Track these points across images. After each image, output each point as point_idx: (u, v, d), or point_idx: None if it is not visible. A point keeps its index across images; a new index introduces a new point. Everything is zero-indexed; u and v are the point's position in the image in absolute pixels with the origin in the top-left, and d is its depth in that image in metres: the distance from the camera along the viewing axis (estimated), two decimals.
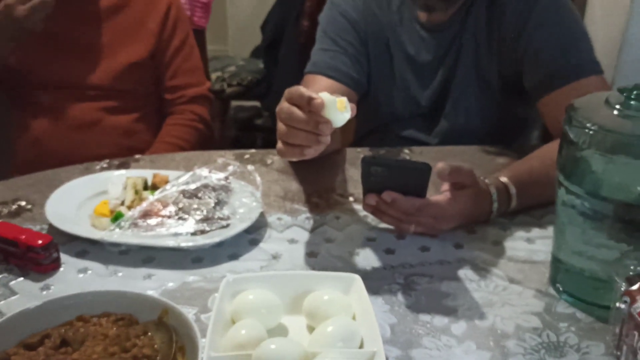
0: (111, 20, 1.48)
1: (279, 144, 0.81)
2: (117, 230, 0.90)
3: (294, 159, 0.85)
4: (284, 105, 0.79)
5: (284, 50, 2.62)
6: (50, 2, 1.30)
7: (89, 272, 0.86)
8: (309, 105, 0.75)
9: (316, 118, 0.75)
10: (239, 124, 3.11)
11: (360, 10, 1.24)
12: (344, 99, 0.77)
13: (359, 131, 1.43)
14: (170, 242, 0.89)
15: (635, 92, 0.72)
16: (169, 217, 0.93)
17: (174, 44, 1.54)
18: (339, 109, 0.76)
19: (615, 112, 0.72)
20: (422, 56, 1.24)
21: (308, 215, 1.00)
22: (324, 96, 0.76)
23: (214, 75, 2.64)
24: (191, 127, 1.56)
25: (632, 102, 0.72)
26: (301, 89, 0.77)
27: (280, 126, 0.80)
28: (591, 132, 0.71)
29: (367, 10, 1.24)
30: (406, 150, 1.23)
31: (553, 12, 1.12)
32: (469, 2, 1.18)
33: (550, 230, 0.87)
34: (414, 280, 0.84)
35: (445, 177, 0.87)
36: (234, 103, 2.98)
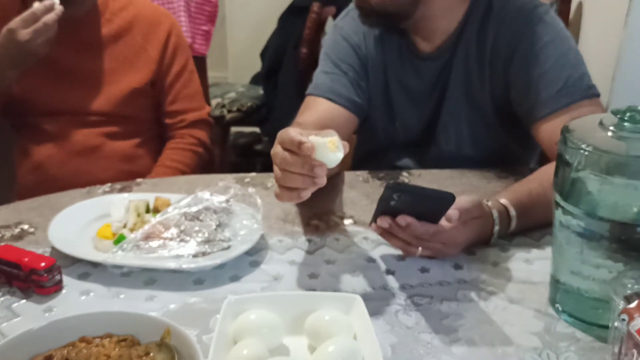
0: (112, 47, 1.51)
1: (276, 189, 0.82)
2: (120, 252, 0.91)
3: (292, 202, 0.84)
4: (277, 150, 0.80)
5: (283, 77, 2.66)
6: (52, 25, 1.31)
7: (92, 294, 0.87)
8: (300, 150, 0.76)
9: (310, 161, 0.76)
10: (238, 149, 3.12)
11: (363, 34, 1.27)
12: (335, 139, 0.78)
13: (356, 156, 1.45)
14: (172, 264, 0.90)
15: (628, 114, 0.74)
16: (171, 239, 0.94)
17: (174, 69, 1.56)
18: (331, 150, 0.76)
19: (610, 133, 0.74)
20: (415, 83, 1.26)
21: (308, 237, 1.01)
22: (315, 139, 0.76)
23: (214, 102, 2.67)
24: (191, 151, 1.58)
25: (626, 124, 0.73)
26: (291, 133, 0.78)
27: (276, 170, 0.81)
28: (586, 153, 0.73)
29: (368, 35, 1.26)
30: (405, 173, 1.25)
31: (542, 39, 1.12)
32: (459, 29, 1.19)
33: (548, 252, 0.88)
34: (415, 300, 0.85)
35: (454, 221, 0.87)
36: (234, 129, 3.00)
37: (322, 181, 0.78)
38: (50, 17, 1.30)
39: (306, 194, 0.79)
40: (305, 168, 0.77)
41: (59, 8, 1.31)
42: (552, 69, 1.11)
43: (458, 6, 1.18)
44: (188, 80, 1.59)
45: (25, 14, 1.30)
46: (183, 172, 1.52)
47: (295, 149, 0.77)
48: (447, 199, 0.83)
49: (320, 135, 0.79)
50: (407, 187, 0.84)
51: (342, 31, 1.28)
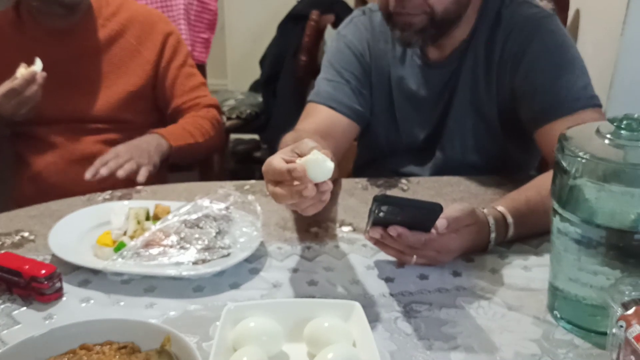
0: (106, 52, 1.51)
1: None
2: (120, 259, 0.91)
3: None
4: (276, 191, 0.78)
5: (282, 84, 2.67)
6: (34, 96, 1.32)
7: (92, 301, 0.87)
8: (292, 177, 0.75)
9: (310, 184, 0.75)
10: (237, 156, 3.13)
11: (367, 42, 1.27)
12: (319, 151, 0.77)
13: (357, 162, 1.45)
14: (172, 271, 0.90)
15: (625, 122, 0.74)
16: (171, 246, 0.94)
17: (175, 64, 1.56)
18: (322, 162, 0.75)
19: (607, 141, 0.75)
20: (422, 91, 1.26)
21: (307, 244, 1.02)
22: (303, 160, 0.76)
23: None
24: (210, 123, 1.56)
25: (623, 132, 0.74)
26: (275, 166, 0.77)
27: (283, 201, 0.79)
28: (583, 161, 0.73)
29: (373, 43, 1.27)
30: (403, 181, 1.25)
31: (549, 47, 1.14)
32: (468, 38, 1.21)
33: (546, 259, 0.88)
34: (413, 307, 0.85)
35: (444, 230, 0.87)
36: (233, 136, 3.01)
37: (327, 196, 0.79)
38: (31, 90, 1.31)
39: (320, 207, 0.80)
40: (316, 198, 0.77)
41: (40, 76, 1.32)
42: (557, 78, 1.13)
43: (471, 15, 1.20)
44: (191, 74, 1.59)
45: (6, 89, 1.30)
46: (203, 134, 1.51)
47: (288, 177, 0.76)
48: (435, 209, 0.83)
49: (299, 151, 0.79)
50: (394, 199, 0.84)
51: (345, 39, 1.29)
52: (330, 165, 0.76)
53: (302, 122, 1.23)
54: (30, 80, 1.31)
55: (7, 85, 1.31)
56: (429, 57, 1.25)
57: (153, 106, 1.57)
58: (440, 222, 0.86)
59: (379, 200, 0.82)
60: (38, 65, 1.33)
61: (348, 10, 2.74)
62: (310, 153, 0.77)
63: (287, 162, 0.79)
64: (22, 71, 1.31)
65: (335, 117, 1.23)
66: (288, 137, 1.11)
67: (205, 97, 1.60)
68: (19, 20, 1.50)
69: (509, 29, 1.17)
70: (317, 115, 1.23)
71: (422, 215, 0.85)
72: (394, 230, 0.86)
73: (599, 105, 1.13)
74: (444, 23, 1.15)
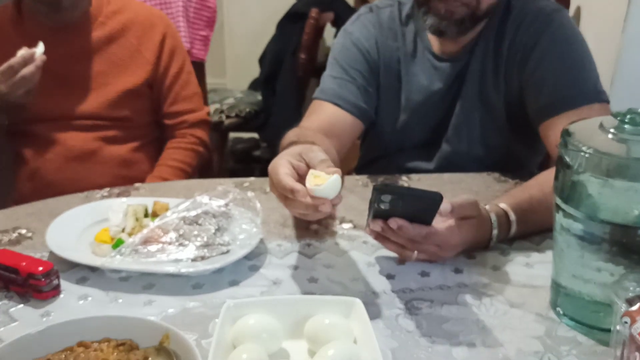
0: (106, 50, 1.50)
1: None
2: (118, 256, 0.91)
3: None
4: (291, 203, 0.80)
5: (282, 83, 2.66)
6: (31, 77, 1.32)
7: (89, 298, 0.86)
8: (295, 196, 0.77)
9: (319, 206, 0.77)
10: (237, 155, 3.12)
11: (374, 39, 1.27)
12: (330, 170, 0.79)
13: (361, 159, 1.45)
14: (171, 269, 0.89)
15: (629, 116, 0.73)
16: (170, 243, 0.93)
17: (172, 71, 1.56)
18: (335, 180, 0.77)
19: (610, 135, 0.74)
20: (433, 85, 1.25)
21: (307, 241, 1.01)
22: (329, 182, 0.76)
23: (212, 108, 2.67)
24: (193, 151, 1.59)
25: (626, 126, 0.73)
26: (281, 179, 0.79)
27: (295, 211, 0.82)
28: (587, 156, 0.72)
29: (380, 40, 1.26)
30: (404, 178, 1.24)
31: (559, 41, 1.14)
32: (481, 30, 1.20)
33: (549, 255, 0.88)
34: (415, 304, 0.84)
35: (448, 215, 0.87)
36: (232, 135, 3.00)
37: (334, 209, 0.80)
38: (28, 70, 1.31)
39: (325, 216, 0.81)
40: (329, 211, 0.78)
41: (39, 58, 1.32)
42: (566, 71, 1.12)
43: None
44: (186, 81, 1.59)
45: (4, 67, 1.30)
46: (185, 172, 1.53)
47: (290, 195, 0.78)
48: (435, 199, 0.83)
49: (307, 159, 0.80)
50: (394, 188, 0.84)
51: (352, 36, 1.28)
52: (340, 181, 0.78)
53: (307, 119, 1.22)
54: (29, 59, 1.31)
55: (5, 65, 1.31)
56: (443, 50, 1.24)
57: (151, 105, 1.57)
58: (444, 206, 0.85)
59: (378, 189, 0.82)
60: (40, 48, 1.33)
61: (347, 8, 2.74)
62: (319, 165, 0.80)
63: (294, 167, 0.81)
64: (22, 52, 1.31)
65: (340, 115, 1.22)
66: (291, 133, 1.11)
67: (194, 112, 1.60)
68: (20, 18, 1.49)
69: (518, 21, 1.17)
70: (322, 112, 1.22)
71: (422, 206, 0.85)
72: (394, 222, 0.85)
73: (607, 101, 1.13)
74: (482, 17, 1.16)
